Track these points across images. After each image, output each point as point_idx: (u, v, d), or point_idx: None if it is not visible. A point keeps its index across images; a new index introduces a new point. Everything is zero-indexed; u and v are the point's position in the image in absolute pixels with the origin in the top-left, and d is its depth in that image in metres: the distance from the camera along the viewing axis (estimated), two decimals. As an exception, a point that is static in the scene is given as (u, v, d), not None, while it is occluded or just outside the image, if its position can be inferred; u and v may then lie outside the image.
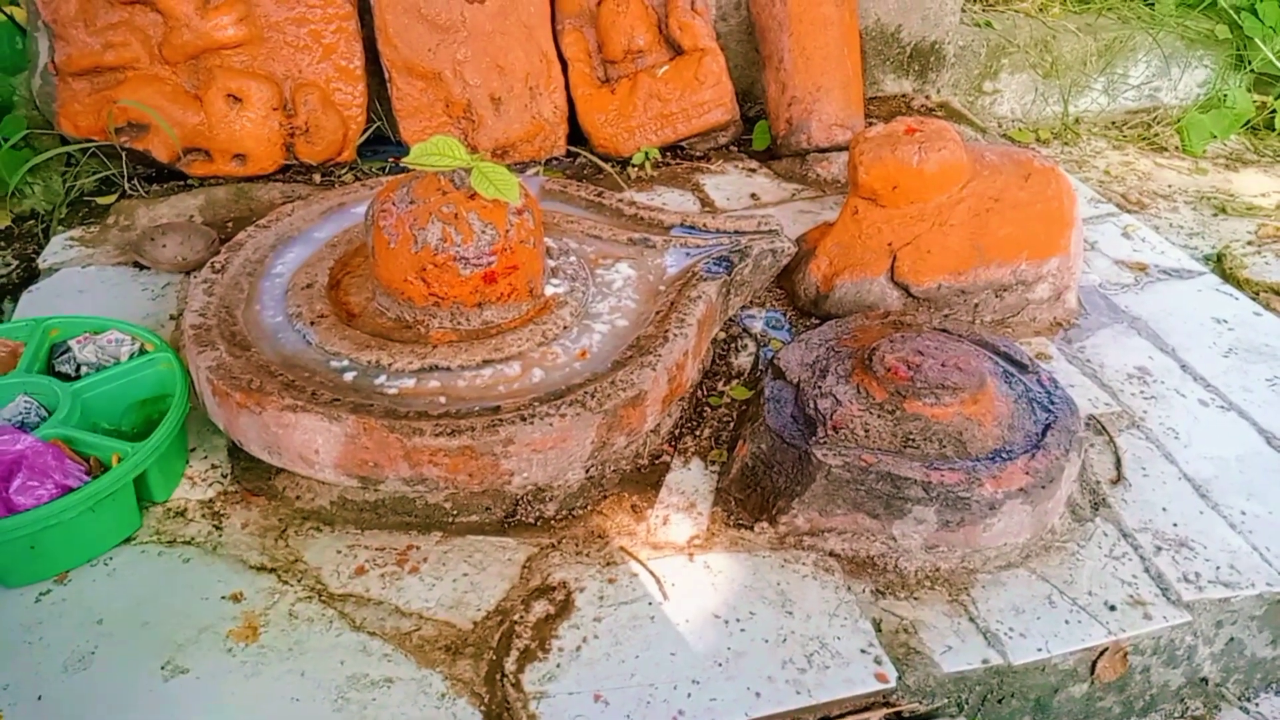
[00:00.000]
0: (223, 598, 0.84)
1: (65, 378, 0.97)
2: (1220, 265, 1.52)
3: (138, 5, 1.38)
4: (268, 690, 0.76)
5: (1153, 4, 2.11)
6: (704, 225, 1.18)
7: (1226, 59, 2.04)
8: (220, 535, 0.90)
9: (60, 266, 1.29)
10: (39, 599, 0.83)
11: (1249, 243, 1.60)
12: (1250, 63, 2.00)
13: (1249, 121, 2.00)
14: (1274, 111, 1.99)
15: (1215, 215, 1.71)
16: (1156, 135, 1.99)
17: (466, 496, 0.92)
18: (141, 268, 1.29)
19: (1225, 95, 2.01)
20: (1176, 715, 0.91)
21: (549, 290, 1.05)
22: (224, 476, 0.97)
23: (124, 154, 1.44)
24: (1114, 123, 2.05)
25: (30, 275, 1.33)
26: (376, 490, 0.91)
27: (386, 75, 1.50)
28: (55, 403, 0.93)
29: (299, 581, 0.85)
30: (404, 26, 1.47)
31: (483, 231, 0.96)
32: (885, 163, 1.12)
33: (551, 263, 1.09)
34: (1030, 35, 1.94)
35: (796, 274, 1.23)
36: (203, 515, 0.92)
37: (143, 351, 1.01)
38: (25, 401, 0.93)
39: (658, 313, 1.03)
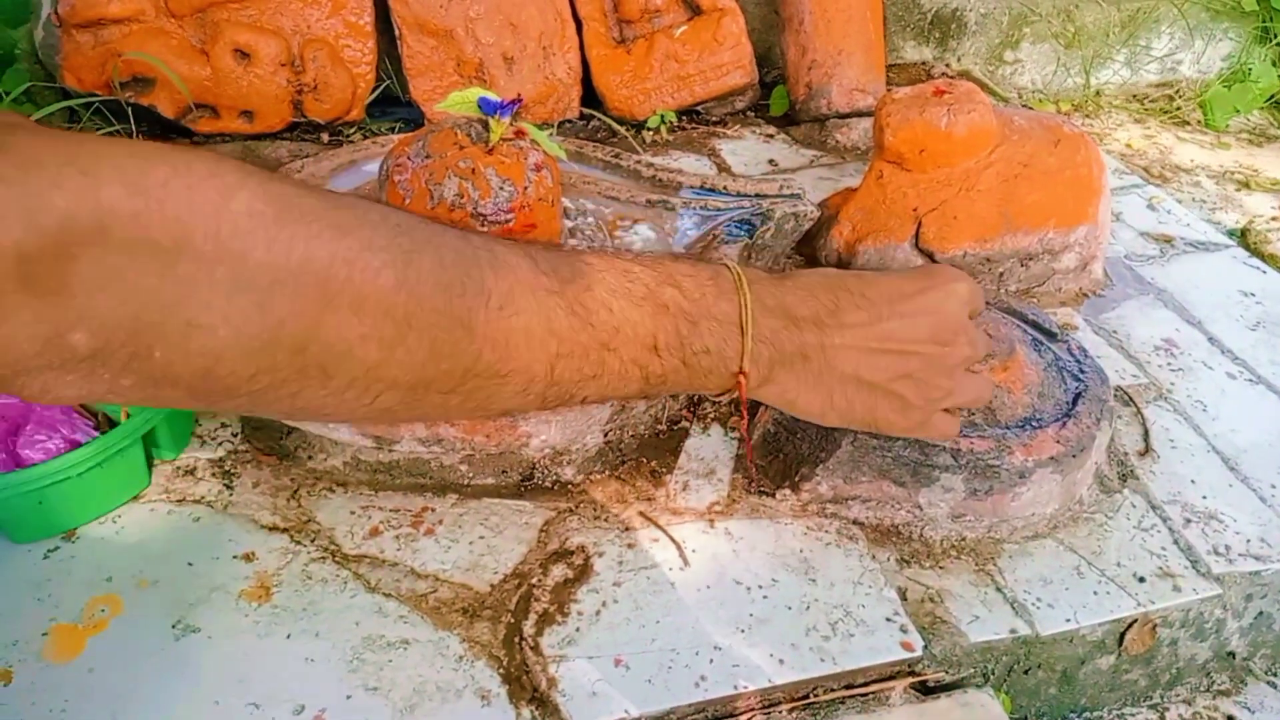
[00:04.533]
0: (234, 557, 0.82)
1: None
2: (1245, 239, 1.49)
3: (144, -45, 1.35)
4: (281, 650, 0.74)
5: (1177, -26, 2.06)
6: (725, 188, 1.15)
7: (1252, 31, 2.00)
8: (231, 494, 0.88)
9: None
10: (47, 555, 0.81)
11: (1273, 218, 1.58)
12: (1276, 36, 1.96)
13: (1273, 96, 1.97)
14: (1299, 86, 1.95)
15: (1238, 190, 1.69)
16: (1179, 109, 1.96)
17: (483, 459, 0.90)
18: (148, 225, 1.26)
19: (1249, 69, 1.98)
20: (1202, 689, 0.90)
21: (567, 250, 1.02)
22: (234, 435, 0.95)
23: (129, 109, 1.41)
24: (1135, 95, 2.01)
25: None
26: (391, 451, 0.89)
27: (397, 32, 1.47)
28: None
29: (312, 542, 0.84)
30: (416, -18, 1.44)
31: (500, 188, 0.94)
32: (913, 125, 1.09)
33: (569, 223, 1.06)
34: (1053, 4, 1.90)
35: (818, 239, 1.20)
36: (213, 474, 0.90)
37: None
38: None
39: (678, 275, 1.01)
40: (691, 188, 1.16)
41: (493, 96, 0.94)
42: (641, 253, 0.59)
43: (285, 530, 0.85)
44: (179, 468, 0.91)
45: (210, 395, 0.41)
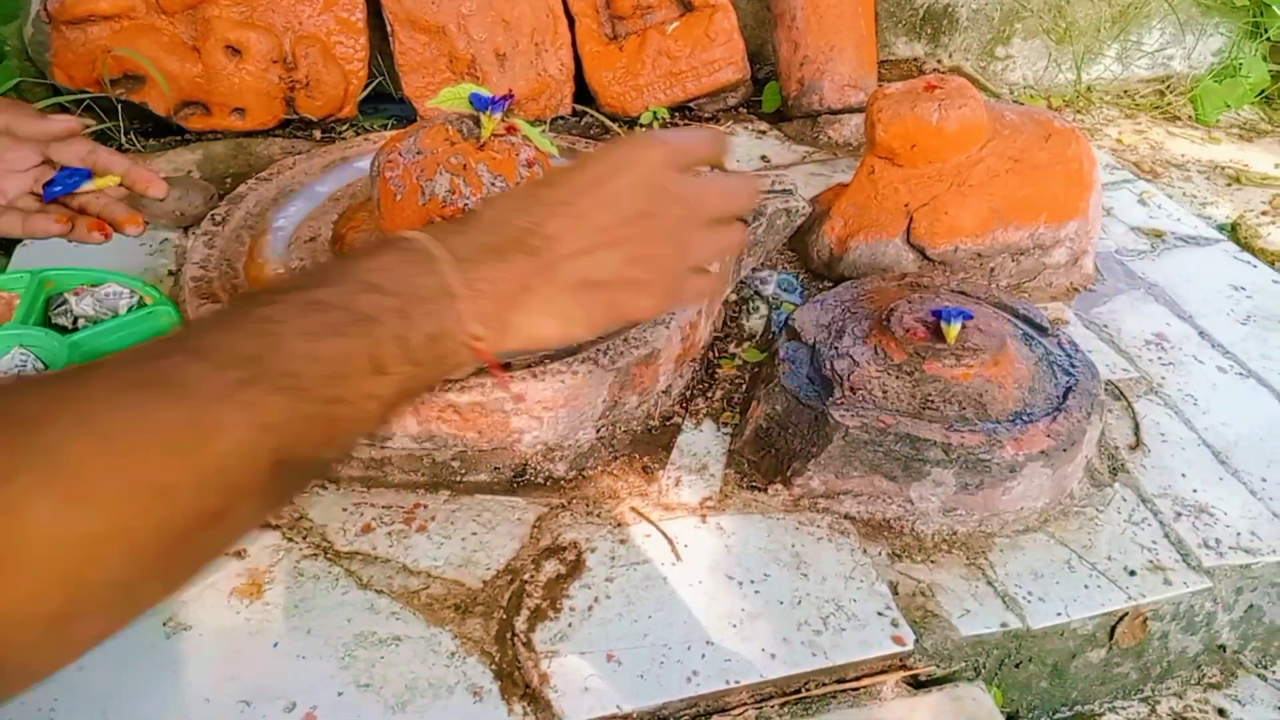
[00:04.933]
0: (226, 555, 0.82)
1: (62, 330, 0.94)
2: (1236, 234, 1.49)
3: (133, -49, 1.34)
4: (273, 647, 0.74)
5: (1168, -30, 2.07)
6: (716, 184, 1.15)
7: (1243, 26, 2.00)
8: (223, 491, 0.88)
9: (55, 220, 1.26)
10: (37, 553, 0.81)
11: (1263, 212, 1.58)
12: (1266, 31, 1.97)
13: (1263, 91, 1.98)
14: (1289, 81, 1.96)
15: (1229, 185, 1.69)
16: (1170, 104, 1.96)
17: (475, 455, 0.90)
18: (139, 222, 1.26)
19: (1240, 64, 1.98)
20: (1193, 682, 0.90)
21: (559, 247, 1.02)
22: (226, 432, 0.94)
23: (120, 106, 1.40)
24: (1126, 91, 2.01)
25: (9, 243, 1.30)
26: (383, 448, 0.89)
27: (389, 29, 1.46)
28: (52, 355, 0.90)
29: (304, 539, 0.84)
30: (408, -22, 1.43)
31: (492, 184, 0.93)
32: (904, 120, 1.09)
33: (561, 219, 1.06)
34: (1044, 0, 1.90)
35: (810, 235, 1.21)
36: (204, 471, 0.90)
37: (141, 304, 0.98)
38: (21, 353, 0.90)
39: (670, 271, 1.01)
40: (683, 184, 1.16)
41: (484, 93, 0.94)
42: (319, 266, 0.51)
43: (277, 527, 0.85)
44: (170, 465, 0.91)
45: None
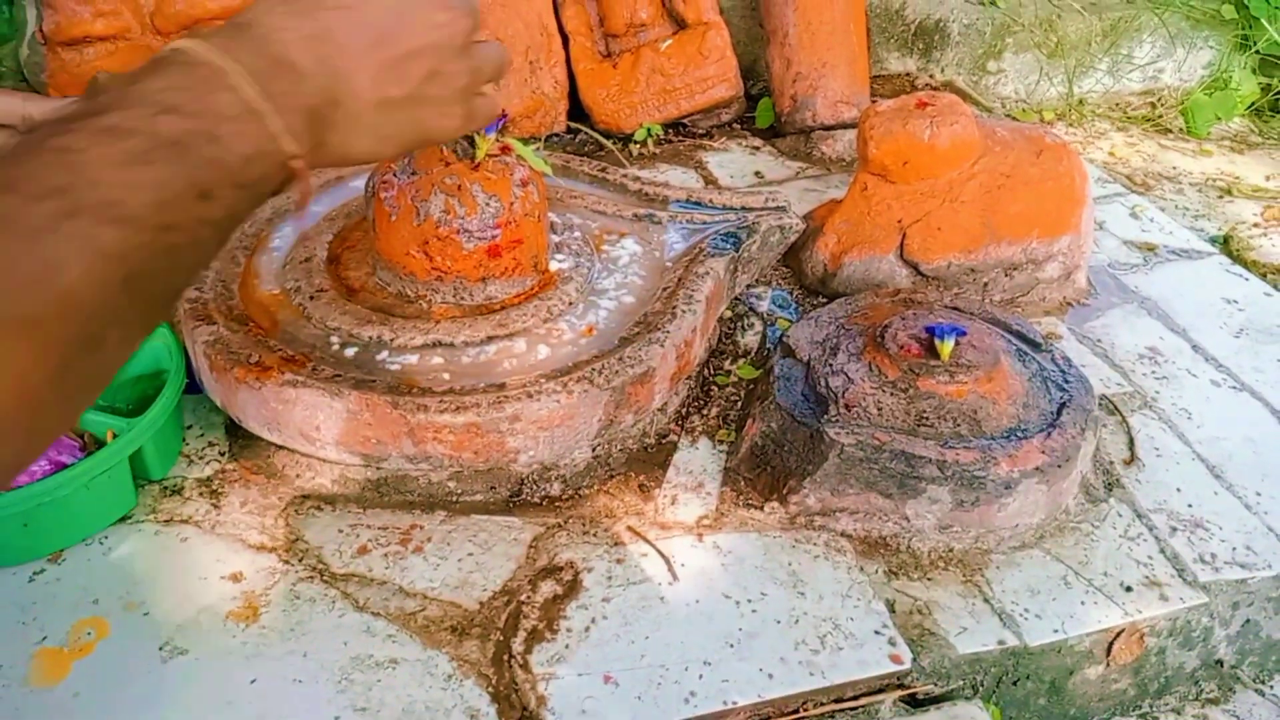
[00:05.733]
0: (222, 578, 0.82)
1: (57, 352, 0.94)
2: (1228, 246, 1.50)
3: (128, -27, 1.35)
4: (269, 671, 0.74)
5: (1158, -16, 2.09)
6: (710, 201, 1.16)
7: (1232, 40, 2.02)
8: (219, 514, 0.88)
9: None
10: (33, 578, 0.81)
11: (1255, 225, 1.59)
12: (1255, 44, 1.98)
13: (1254, 104, 1.99)
14: (1278, 94, 1.97)
15: (1221, 197, 1.70)
16: (1161, 117, 1.98)
17: (471, 475, 0.90)
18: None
19: (1230, 77, 2.00)
20: (1191, 697, 0.90)
21: (553, 265, 1.03)
22: (222, 454, 0.94)
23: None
24: (1118, 104, 2.03)
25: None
26: (379, 468, 0.89)
27: (384, 48, 1.47)
28: (47, 378, 0.90)
29: (300, 561, 0.83)
30: (402, -2, 1.44)
31: (487, 204, 0.94)
32: (896, 137, 1.09)
33: (556, 238, 1.06)
34: (1035, 14, 1.92)
35: (803, 252, 1.21)
36: (200, 494, 0.90)
37: (137, 326, 0.98)
38: (16, 376, 0.90)
39: (665, 289, 1.01)
40: (678, 201, 1.17)
41: None
42: (96, 90, 0.49)
43: (273, 550, 0.84)
44: (166, 487, 0.91)
45: None
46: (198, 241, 0.45)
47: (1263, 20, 1.94)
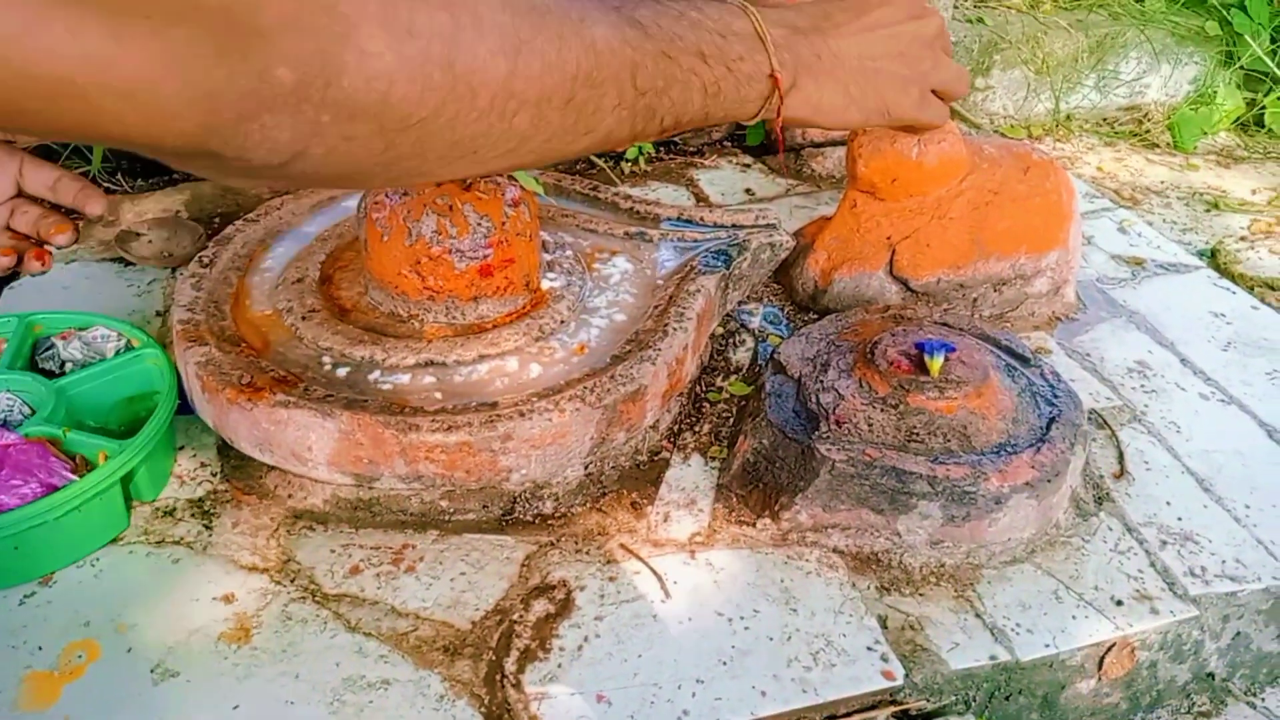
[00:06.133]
0: (214, 599, 0.81)
1: (49, 374, 0.94)
2: (1215, 260, 1.51)
3: (122, -4, 1.36)
4: (261, 693, 0.74)
5: (1142, 0, 2.11)
6: (701, 219, 1.16)
7: (1216, 55, 2.04)
8: (210, 535, 0.88)
9: (43, 262, 1.26)
10: (23, 601, 0.81)
11: (1242, 238, 1.60)
12: (1239, 59, 2.01)
13: (1239, 118, 2.01)
14: (1264, 108, 1.99)
15: (1208, 211, 1.71)
16: (1148, 132, 1.99)
17: (463, 494, 0.90)
18: (126, 264, 1.27)
19: (1215, 92, 2.02)
20: (1183, 711, 0.90)
21: (545, 284, 1.03)
22: (214, 475, 0.94)
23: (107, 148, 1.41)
24: (1105, 119, 2.05)
25: (12, 272, 1.30)
26: (371, 488, 0.89)
27: (376, 69, 1.48)
28: (39, 400, 0.90)
29: (292, 582, 0.83)
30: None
31: (478, 224, 0.94)
32: (884, 155, 1.10)
33: (547, 256, 1.07)
34: (1022, 31, 1.94)
35: (794, 268, 1.22)
36: (192, 515, 0.90)
37: (129, 347, 0.98)
38: (7, 398, 0.90)
39: (656, 307, 1.02)
40: (669, 219, 1.17)
41: None
42: None
43: (265, 570, 0.84)
44: (158, 509, 0.91)
45: (390, 128, 0.47)
46: (684, 80, 0.60)
47: (1246, 36, 1.96)
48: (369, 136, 0.48)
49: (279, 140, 0.45)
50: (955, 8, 1.91)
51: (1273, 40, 1.99)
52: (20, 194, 0.89)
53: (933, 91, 0.74)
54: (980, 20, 1.95)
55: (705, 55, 0.61)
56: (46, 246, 0.91)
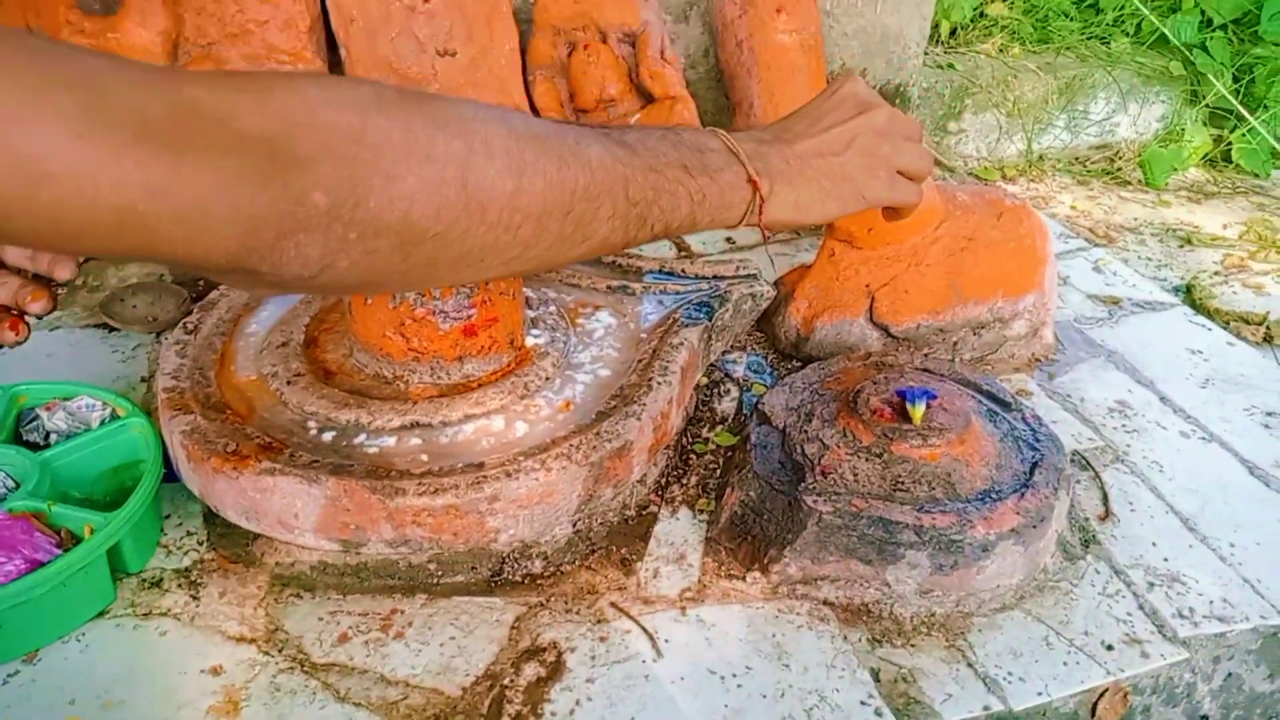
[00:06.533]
0: (201, 671, 0.81)
1: (33, 446, 0.94)
2: (1190, 296, 1.54)
3: (105, 65, 1.37)
4: (250, 769, 0.73)
5: (1108, 41, 2.16)
6: (682, 271, 1.18)
7: (1182, 94, 2.09)
8: (198, 605, 0.87)
9: (26, 330, 1.26)
10: (7, 681, 0.80)
11: (1216, 273, 1.63)
12: (1204, 98, 2.05)
13: (1208, 154, 2.05)
14: (1229, 144, 2.04)
15: (1181, 247, 1.74)
16: (1119, 169, 2.03)
17: (451, 556, 0.90)
18: (111, 329, 1.27)
19: (1183, 130, 2.06)
20: (1178, 754, 0.90)
21: (529, 341, 1.04)
22: (200, 544, 0.94)
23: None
24: (1077, 158, 2.09)
25: (-5, 340, 1.30)
26: (358, 553, 0.88)
27: (358, 129, 1.49)
28: (23, 473, 0.90)
29: (280, 652, 0.83)
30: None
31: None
32: (861, 205, 1.12)
33: (531, 313, 1.08)
34: (992, 75, 1.98)
35: (776, 317, 1.23)
36: (179, 585, 0.89)
37: (114, 416, 0.98)
38: (-9, 473, 0.90)
39: (640, 361, 1.03)
40: (651, 272, 1.19)
41: None
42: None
43: (253, 641, 0.84)
44: (145, 579, 0.90)
45: (409, 242, 0.52)
46: (670, 190, 0.66)
47: (1210, 76, 2.01)
48: (390, 250, 0.52)
49: (310, 256, 0.50)
50: (926, 54, 1.95)
51: (1235, 79, 2.04)
52: (1, 266, 0.89)
53: (900, 172, 0.79)
54: (951, 66, 1.99)
55: (688, 168, 0.67)
56: (25, 316, 0.91)
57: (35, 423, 0.96)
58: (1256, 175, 2.03)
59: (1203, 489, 1.04)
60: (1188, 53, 2.06)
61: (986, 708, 0.79)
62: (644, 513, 0.99)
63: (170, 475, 0.93)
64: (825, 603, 0.88)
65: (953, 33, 2.12)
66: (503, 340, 0.99)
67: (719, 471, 1.05)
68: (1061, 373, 1.22)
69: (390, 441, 0.91)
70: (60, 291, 0.94)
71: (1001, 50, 2.10)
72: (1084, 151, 2.10)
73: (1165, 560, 0.94)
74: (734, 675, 0.81)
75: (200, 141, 0.45)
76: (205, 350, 1.03)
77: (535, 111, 1.56)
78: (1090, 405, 1.16)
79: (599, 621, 0.86)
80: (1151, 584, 0.91)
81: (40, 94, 0.41)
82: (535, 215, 0.57)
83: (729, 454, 1.06)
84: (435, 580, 0.90)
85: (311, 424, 0.92)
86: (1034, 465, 0.93)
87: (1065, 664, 0.83)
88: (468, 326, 0.96)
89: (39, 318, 0.90)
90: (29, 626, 0.81)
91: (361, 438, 0.91)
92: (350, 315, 0.99)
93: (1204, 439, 1.11)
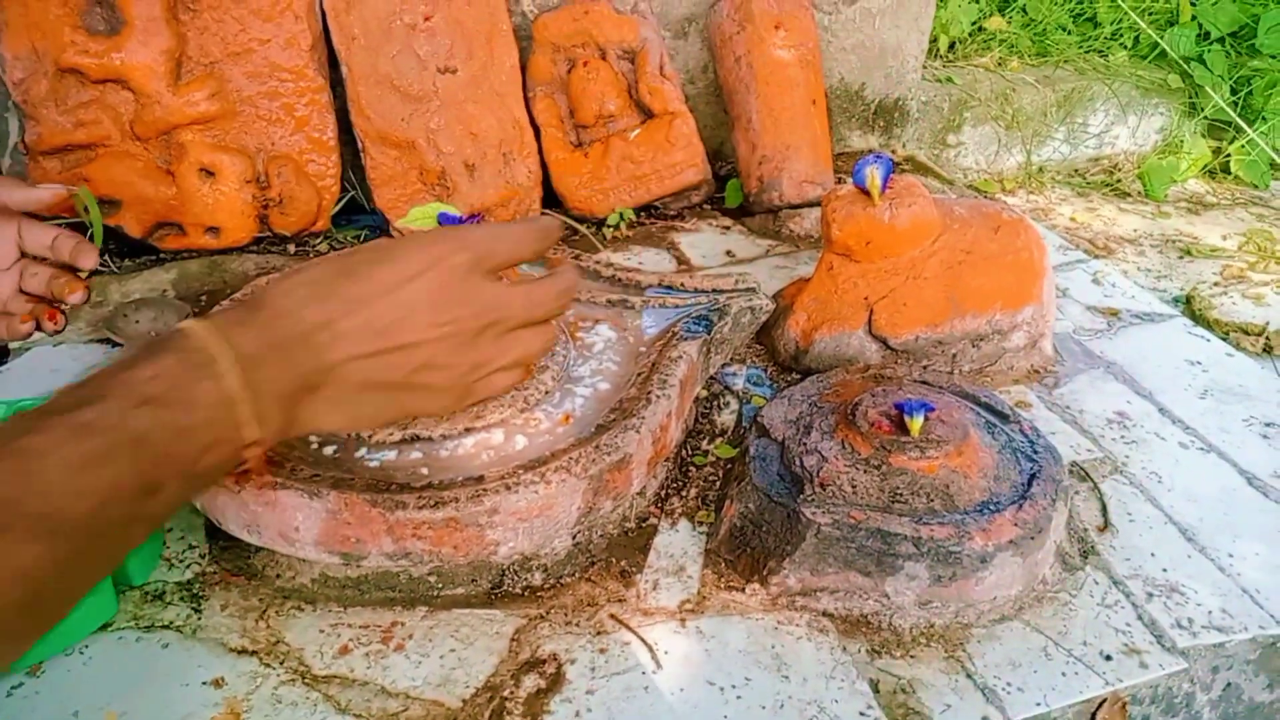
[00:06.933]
0: (203, 684, 0.81)
1: (37, 461, 0.95)
2: (1189, 307, 1.54)
3: (109, 84, 1.39)
4: (251, 781, 0.73)
5: (1106, 55, 2.17)
6: (681, 284, 1.19)
7: (1180, 106, 2.10)
8: (200, 618, 0.88)
9: (32, 346, 1.27)
10: (10, 693, 0.80)
11: (1215, 284, 1.63)
12: (1203, 109, 2.06)
13: (1207, 166, 2.06)
14: (1228, 156, 2.05)
15: (1180, 258, 1.75)
16: (1119, 181, 2.04)
17: (451, 569, 0.91)
18: (115, 345, 1.28)
19: (1182, 141, 2.07)
20: (1179, 765, 0.90)
21: (530, 355, 1.04)
22: (202, 557, 0.94)
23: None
24: (1076, 170, 2.09)
25: (1, 355, 1.31)
26: (359, 566, 0.89)
27: (360, 145, 1.51)
28: (27, 487, 0.90)
29: (281, 664, 0.83)
30: (376, 97, 1.49)
31: (462, 299, 0.96)
32: (857, 219, 1.13)
33: (531, 327, 1.08)
34: (991, 89, 1.99)
35: (775, 330, 1.24)
36: (181, 598, 0.90)
37: (117, 431, 0.99)
38: (-4, 487, 0.90)
39: (639, 374, 1.03)
40: (650, 286, 1.19)
41: (452, 211, 0.97)
42: (95, 375, 0.52)
43: (254, 653, 0.84)
44: (147, 592, 0.90)
45: None
46: (125, 539, 0.48)
47: (1208, 88, 2.02)
48: None
49: None
50: (925, 68, 1.96)
51: (1233, 91, 2.05)
52: (24, 255, 0.90)
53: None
54: (950, 80, 2.00)
55: (157, 488, 0.48)
56: (59, 305, 0.92)
57: (39, 437, 0.97)
58: (1255, 186, 2.03)
59: (1202, 499, 1.04)
60: (1186, 65, 2.07)
61: (985, 718, 0.79)
62: (643, 525, 1.00)
63: None
64: (824, 614, 0.89)
65: (951, 47, 2.13)
66: (503, 354, 1.00)
67: (718, 484, 1.05)
68: (1061, 384, 1.22)
69: (391, 455, 0.91)
70: (88, 281, 0.96)
71: (1000, 64, 2.12)
72: (1083, 164, 2.11)
73: (1164, 571, 0.94)
74: (733, 686, 0.81)
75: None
76: (208, 365, 1.04)
77: (535, 128, 1.58)
78: (1089, 416, 1.17)
79: (599, 633, 0.86)
80: (1150, 594, 0.92)
81: None
82: None
83: (728, 466, 1.07)
84: (435, 593, 0.91)
85: (313, 437, 0.93)
86: (1032, 477, 0.93)
87: (1064, 674, 0.83)
88: (468, 340, 0.97)
89: (73, 307, 0.90)
90: (32, 640, 0.81)
91: (363, 451, 0.91)
92: (352, 330, 1.00)
93: (1203, 450, 1.12)
